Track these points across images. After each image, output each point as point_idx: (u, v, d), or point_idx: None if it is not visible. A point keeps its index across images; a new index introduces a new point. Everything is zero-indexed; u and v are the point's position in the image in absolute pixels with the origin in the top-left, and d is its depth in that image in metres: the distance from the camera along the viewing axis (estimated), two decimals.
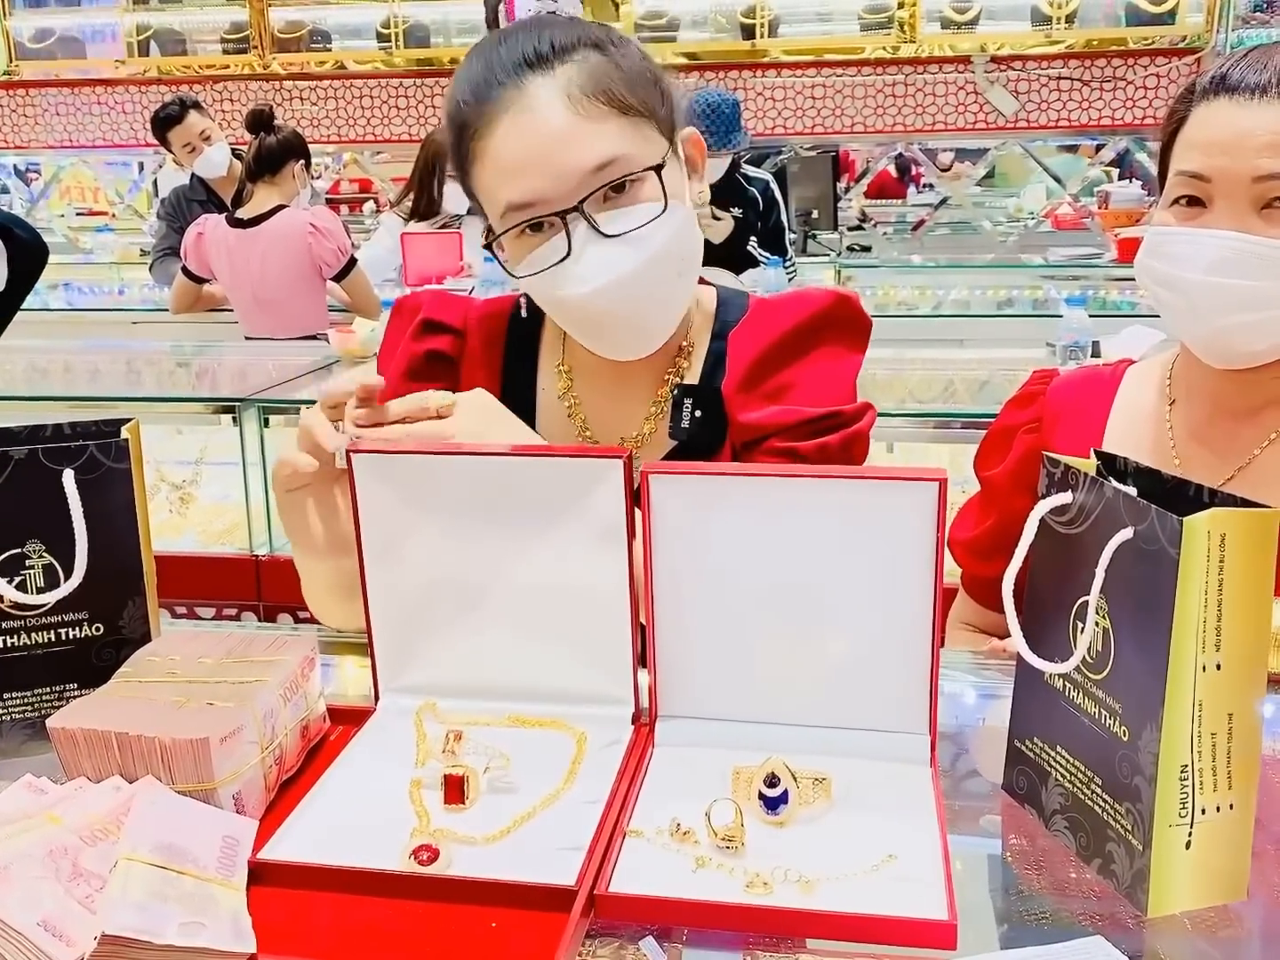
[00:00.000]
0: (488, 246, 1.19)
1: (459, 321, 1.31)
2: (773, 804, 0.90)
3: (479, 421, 1.07)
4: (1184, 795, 0.79)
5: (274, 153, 3.85)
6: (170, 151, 4.55)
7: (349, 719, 1.04)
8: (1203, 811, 0.79)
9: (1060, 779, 0.90)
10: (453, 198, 4.51)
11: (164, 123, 4.43)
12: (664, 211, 1.11)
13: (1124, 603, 0.82)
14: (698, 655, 1.00)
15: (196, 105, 4.53)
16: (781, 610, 0.97)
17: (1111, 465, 0.89)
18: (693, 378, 1.28)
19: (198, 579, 2.70)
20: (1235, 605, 0.77)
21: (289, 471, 1.05)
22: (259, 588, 2.69)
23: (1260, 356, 1.22)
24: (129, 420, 1.05)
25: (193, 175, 4.52)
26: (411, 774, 0.93)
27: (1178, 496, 0.83)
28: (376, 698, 1.05)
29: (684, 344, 1.28)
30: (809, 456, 1.19)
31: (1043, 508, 0.89)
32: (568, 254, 1.10)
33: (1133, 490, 0.84)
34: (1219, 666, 0.78)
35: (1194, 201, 1.20)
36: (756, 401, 1.23)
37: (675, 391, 1.25)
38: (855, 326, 1.27)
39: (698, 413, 1.24)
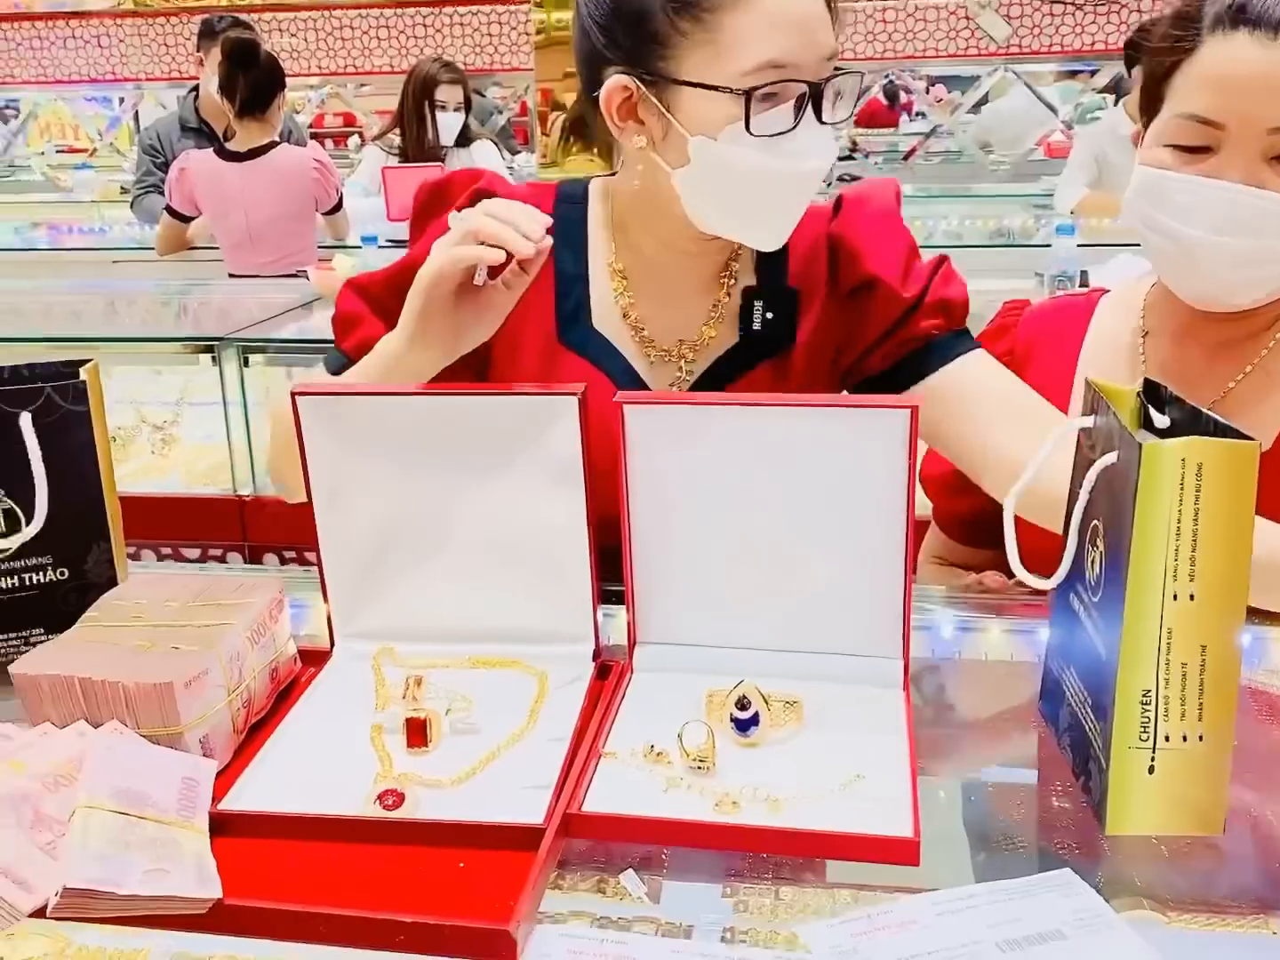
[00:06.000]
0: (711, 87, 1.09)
1: (510, 195, 1.24)
2: (743, 726, 0.91)
3: None
4: (1145, 720, 0.79)
5: (264, 89, 3.77)
6: (202, 62, 4.36)
7: (321, 661, 1.03)
8: (1166, 739, 0.79)
9: (1070, 699, 0.90)
10: (444, 130, 4.44)
11: (217, 35, 4.18)
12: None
13: (1111, 528, 0.82)
14: (675, 582, 1.00)
15: (253, 31, 4.39)
16: (756, 537, 0.98)
17: (1155, 394, 0.88)
18: (747, 278, 1.27)
19: (182, 520, 2.68)
20: (1212, 537, 0.76)
21: (459, 266, 1.04)
22: (244, 528, 2.67)
23: (1253, 304, 1.19)
24: (88, 361, 1.03)
25: (192, 101, 4.39)
26: (372, 719, 0.92)
27: (1197, 428, 0.81)
28: (332, 643, 1.03)
29: (735, 248, 1.26)
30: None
31: (1065, 427, 0.90)
32: (794, 127, 1.08)
33: (1166, 421, 0.84)
34: (1192, 597, 0.77)
35: (1198, 147, 1.13)
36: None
37: (743, 294, 1.25)
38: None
39: (769, 314, 1.25)
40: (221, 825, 0.81)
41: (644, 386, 1.26)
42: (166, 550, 2.70)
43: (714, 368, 1.26)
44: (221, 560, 2.71)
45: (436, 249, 1.06)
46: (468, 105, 4.56)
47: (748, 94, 1.06)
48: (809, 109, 1.08)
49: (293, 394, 0.97)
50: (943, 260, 1.27)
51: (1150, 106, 1.19)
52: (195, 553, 2.72)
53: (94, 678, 0.86)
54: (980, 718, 1.09)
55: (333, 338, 1.28)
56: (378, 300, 1.24)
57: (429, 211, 1.28)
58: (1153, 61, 1.18)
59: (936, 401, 1.21)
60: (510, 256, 1.03)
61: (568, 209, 1.28)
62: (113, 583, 1.04)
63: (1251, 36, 1.10)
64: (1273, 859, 0.82)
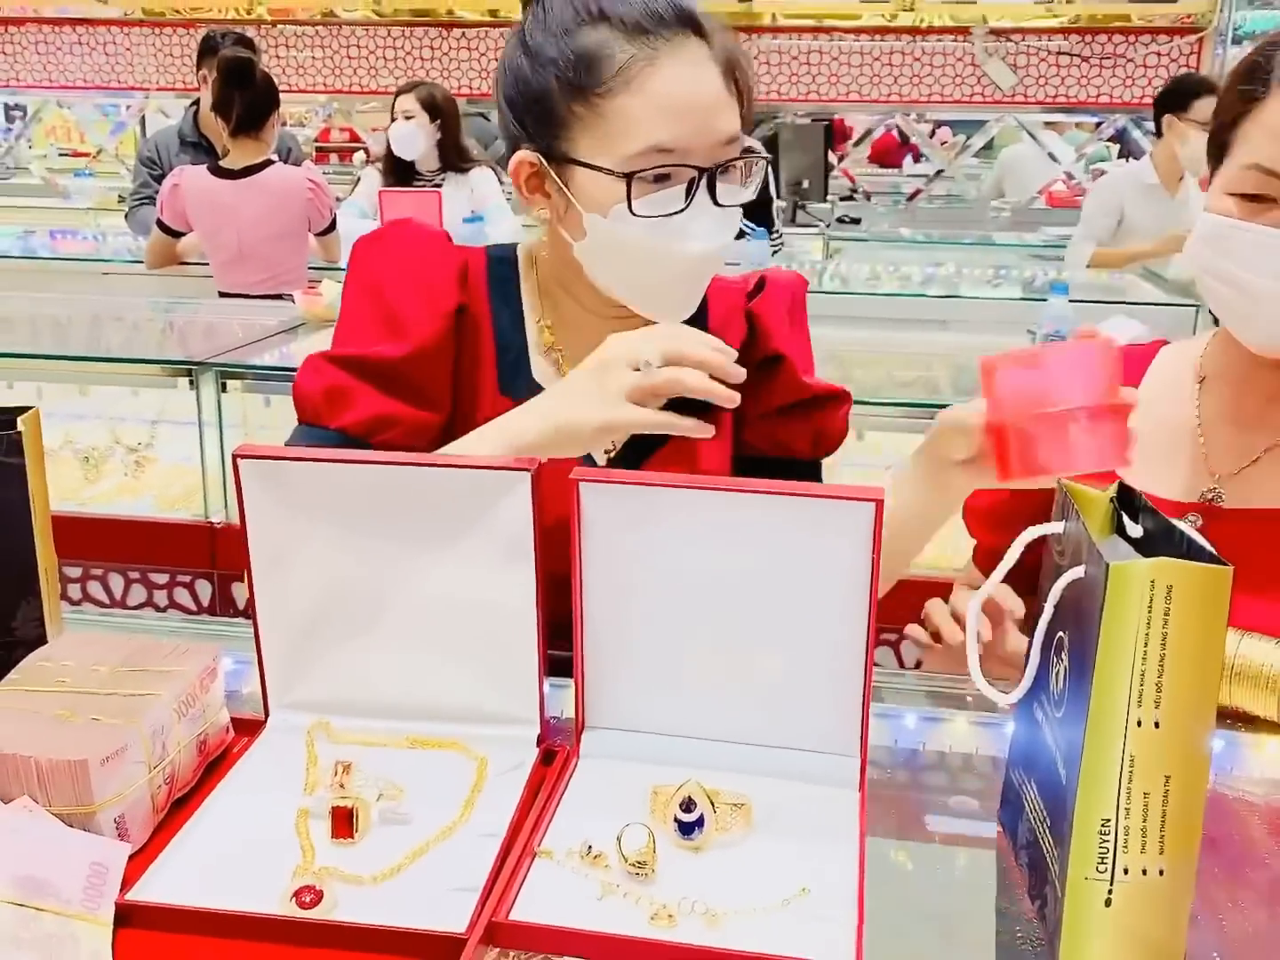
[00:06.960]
0: (586, 165, 1.12)
1: (431, 245, 1.26)
2: (687, 829, 0.86)
3: None
4: (1103, 850, 0.75)
5: (258, 108, 3.75)
6: (207, 79, 4.29)
7: (256, 730, 0.99)
8: (1125, 871, 0.75)
9: (1029, 814, 0.86)
10: (394, 141, 4.38)
11: (218, 53, 4.09)
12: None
13: (1076, 644, 0.78)
14: (626, 666, 0.96)
15: (253, 49, 4.37)
16: (712, 624, 0.94)
17: (1129, 500, 0.84)
18: None
19: (152, 545, 2.64)
20: (1180, 663, 0.72)
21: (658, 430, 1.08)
22: (213, 556, 2.63)
23: None
24: (27, 410, 0.99)
25: (193, 116, 4.36)
26: (300, 802, 0.88)
27: (1170, 546, 0.77)
28: (266, 714, 0.99)
29: None
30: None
31: (1029, 534, 0.85)
32: (684, 209, 1.12)
33: (1139, 530, 0.80)
34: (1157, 724, 0.73)
35: (1262, 197, 1.12)
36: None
37: None
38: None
39: None
40: (127, 916, 0.77)
41: None
42: (135, 574, 2.66)
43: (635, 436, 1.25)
44: (189, 588, 2.67)
45: (612, 400, 1.04)
46: (445, 122, 4.46)
47: (629, 177, 1.09)
48: (702, 191, 1.11)
49: (235, 456, 0.93)
50: (846, 397, 1.32)
51: (1217, 154, 1.18)
52: (164, 578, 2.67)
53: (5, 751, 0.82)
54: (940, 815, 1.05)
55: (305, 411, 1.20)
56: (381, 377, 1.18)
57: (365, 268, 1.24)
58: (1221, 109, 1.18)
59: None
60: None
61: (501, 268, 1.28)
62: (41, 641, 0.99)
63: None
64: None
